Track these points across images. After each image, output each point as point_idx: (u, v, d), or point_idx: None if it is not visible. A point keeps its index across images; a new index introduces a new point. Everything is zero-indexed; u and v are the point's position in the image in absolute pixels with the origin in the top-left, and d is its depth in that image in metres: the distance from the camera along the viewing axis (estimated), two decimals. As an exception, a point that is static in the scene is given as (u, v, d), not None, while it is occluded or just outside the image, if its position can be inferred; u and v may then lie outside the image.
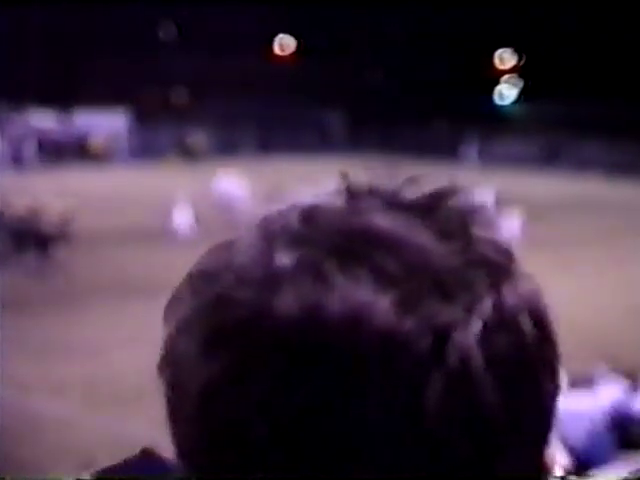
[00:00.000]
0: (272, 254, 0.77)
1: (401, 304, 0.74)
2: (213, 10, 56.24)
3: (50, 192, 31.13)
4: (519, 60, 66.05)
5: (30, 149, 50.58)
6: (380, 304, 0.74)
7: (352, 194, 0.83)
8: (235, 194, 35.21)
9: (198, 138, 54.31)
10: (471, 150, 55.56)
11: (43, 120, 52.40)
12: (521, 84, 65.10)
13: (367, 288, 0.74)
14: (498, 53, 66.10)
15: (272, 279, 0.76)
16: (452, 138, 55.76)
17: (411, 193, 0.83)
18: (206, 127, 53.89)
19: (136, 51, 56.23)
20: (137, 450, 1.02)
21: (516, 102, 64.64)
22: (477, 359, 0.74)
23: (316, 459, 0.74)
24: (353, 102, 59.22)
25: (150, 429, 14.95)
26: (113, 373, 17.98)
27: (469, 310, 0.76)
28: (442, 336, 0.74)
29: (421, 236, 0.78)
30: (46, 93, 51.39)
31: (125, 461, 1.02)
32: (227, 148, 53.21)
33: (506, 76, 66.33)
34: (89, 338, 20.17)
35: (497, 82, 66.28)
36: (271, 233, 0.80)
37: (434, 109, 56.80)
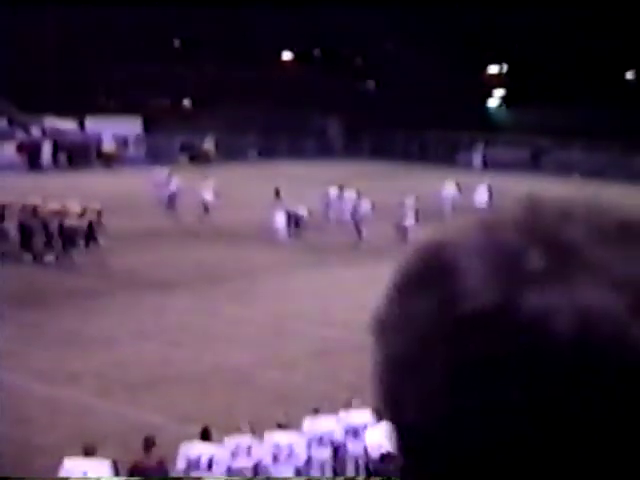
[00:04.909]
0: (524, 255, 0.76)
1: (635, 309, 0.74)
2: (221, 22, 56.57)
3: (67, 193, 31.26)
4: (508, 71, 65.99)
5: (48, 153, 50.71)
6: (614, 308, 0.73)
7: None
8: (174, 187, 36.58)
9: (211, 144, 54.50)
10: (465, 156, 55.72)
11: (60, 125, 52.49)
12: (510, 94, 64.91)
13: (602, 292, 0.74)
14: (490, 65, 66.01)
15: (521, 279, 0.75)
16: (444, 145, 56.03)
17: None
18: (212, 133, 53.94)
19: (148, 62, 56.33)
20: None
21: (505, 110, 64.54)
22: None
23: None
24: (351, 110, 59.07)
25: (160, 416, 15.11)
26: (125, 363, 18.14)
27: None
28: None
29: None
30: (63, 100, 51.47)
31: None
32: (232, 153, 53.37)
33: (497, 87, 66.21)
34: (104, 330, 20.29)
35: (489, 92, 66.12)
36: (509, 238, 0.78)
37: (428, 118, 56.60)
